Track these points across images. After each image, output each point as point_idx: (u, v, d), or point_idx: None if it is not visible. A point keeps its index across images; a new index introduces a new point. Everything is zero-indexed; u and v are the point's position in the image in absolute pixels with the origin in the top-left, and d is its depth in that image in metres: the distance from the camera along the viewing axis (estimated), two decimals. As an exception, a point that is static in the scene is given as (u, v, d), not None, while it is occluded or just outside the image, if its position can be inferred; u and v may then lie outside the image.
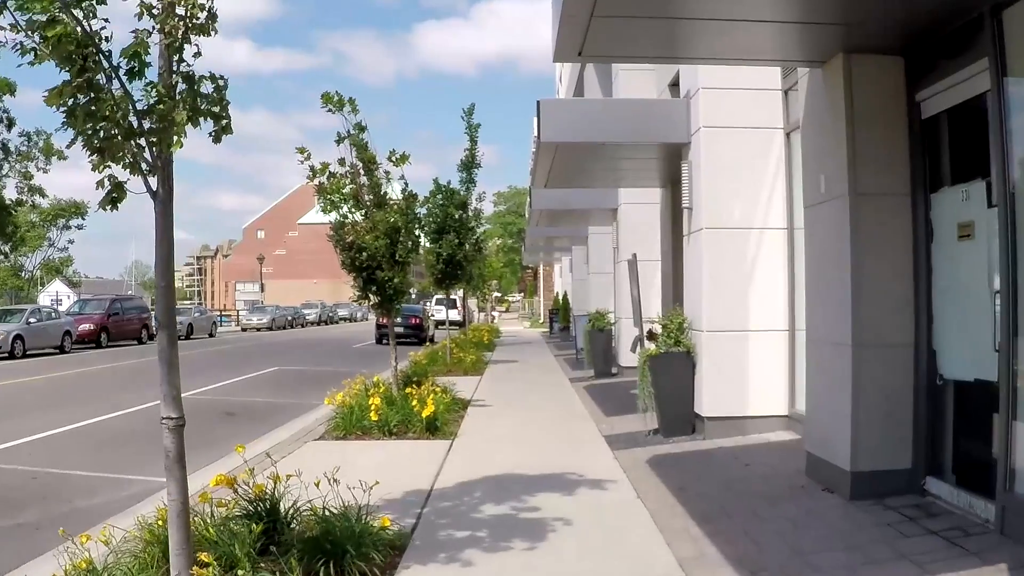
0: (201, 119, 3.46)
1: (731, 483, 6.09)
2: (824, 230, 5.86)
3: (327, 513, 4.59)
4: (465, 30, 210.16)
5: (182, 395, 3.65)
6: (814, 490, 5.67)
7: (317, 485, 4.71)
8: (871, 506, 5.16)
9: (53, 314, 27.22)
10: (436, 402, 8.78)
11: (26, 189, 38.46)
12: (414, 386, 9.97)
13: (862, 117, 5.46)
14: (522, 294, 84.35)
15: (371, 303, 9.91)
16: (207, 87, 3.53)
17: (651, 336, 8.51)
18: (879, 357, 5.38)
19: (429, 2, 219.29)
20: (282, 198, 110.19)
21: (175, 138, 3.35)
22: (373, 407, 8.49)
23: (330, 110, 9.19)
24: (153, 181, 3.52)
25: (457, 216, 16.37)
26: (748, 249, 7.94)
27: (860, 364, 5.35)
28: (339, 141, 9.42)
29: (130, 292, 65.40)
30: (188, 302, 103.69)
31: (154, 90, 3.39)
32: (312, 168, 9.25)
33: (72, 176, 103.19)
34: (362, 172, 9.59)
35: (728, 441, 7.59)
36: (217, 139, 3.55)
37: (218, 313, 54.82)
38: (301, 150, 9.19)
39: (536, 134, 8.53)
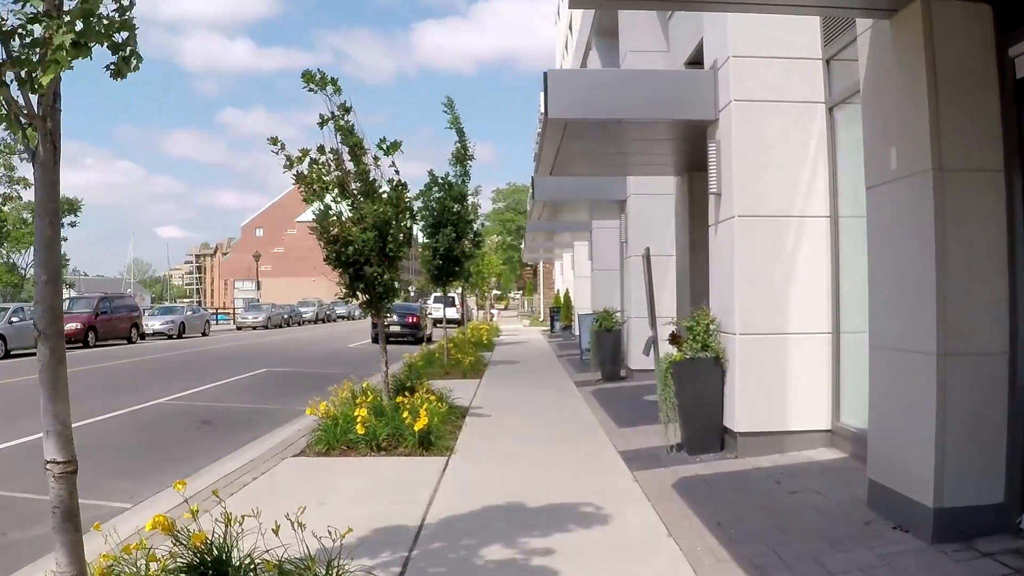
0: (94, 45, 2.49)
1: (779, 517, 5.11)
2: (895, 214, 4.87)
3: (288, 568, 3.64)
4: (464, 29, 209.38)
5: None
6: (883, 528, 4.70)
7: (276, 532, 3.75)
8: (960, 551, 4.20)
9: (38, 313, 26.27)
10: (430, 412, 7.80)
11: (8, 181, 37.32)
12: (407, 393, 9.03)
13: (946, 77, 4.48)
14: (521, 292, 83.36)
15: (359, 302, 8.97)
16: (107, 6, 2.57)
17: (674, 339, 7.51)
18: (968, 368, 4.40)
19: (428, 1, 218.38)
20: (281, 196, 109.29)
21: (53, 71, 2.39)
22: (359, 419, 7.53)
23: (311, 89, 8.42)
24: (32, 137, 2.57)
25: (455, 209, 15.40)
26: (786, 240, 6.95)
27: (946, 377, 4.36)
28: (322, 124, 8.54)
29: (129, 290, 64.34)
30: (187, 300, 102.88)
31: (28, 5, 2.44)
32: (288, 158, 8.51)
33: (65, 172, 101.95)
34: (347, 158, 8.67)
35: (765, 460, 6.62)
36: (118, 73, 2.60)
37: (212, 312, 53.94)
38: (274, 140, 8.54)
39: (543, 110, 7.54)
